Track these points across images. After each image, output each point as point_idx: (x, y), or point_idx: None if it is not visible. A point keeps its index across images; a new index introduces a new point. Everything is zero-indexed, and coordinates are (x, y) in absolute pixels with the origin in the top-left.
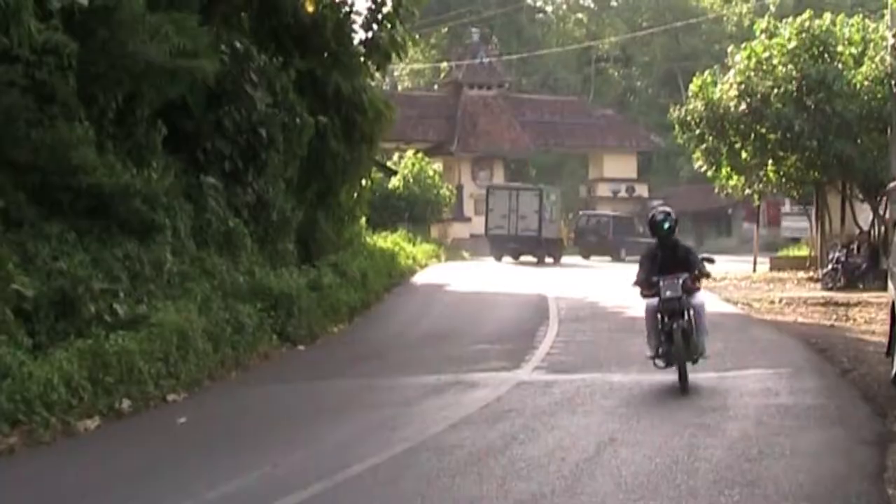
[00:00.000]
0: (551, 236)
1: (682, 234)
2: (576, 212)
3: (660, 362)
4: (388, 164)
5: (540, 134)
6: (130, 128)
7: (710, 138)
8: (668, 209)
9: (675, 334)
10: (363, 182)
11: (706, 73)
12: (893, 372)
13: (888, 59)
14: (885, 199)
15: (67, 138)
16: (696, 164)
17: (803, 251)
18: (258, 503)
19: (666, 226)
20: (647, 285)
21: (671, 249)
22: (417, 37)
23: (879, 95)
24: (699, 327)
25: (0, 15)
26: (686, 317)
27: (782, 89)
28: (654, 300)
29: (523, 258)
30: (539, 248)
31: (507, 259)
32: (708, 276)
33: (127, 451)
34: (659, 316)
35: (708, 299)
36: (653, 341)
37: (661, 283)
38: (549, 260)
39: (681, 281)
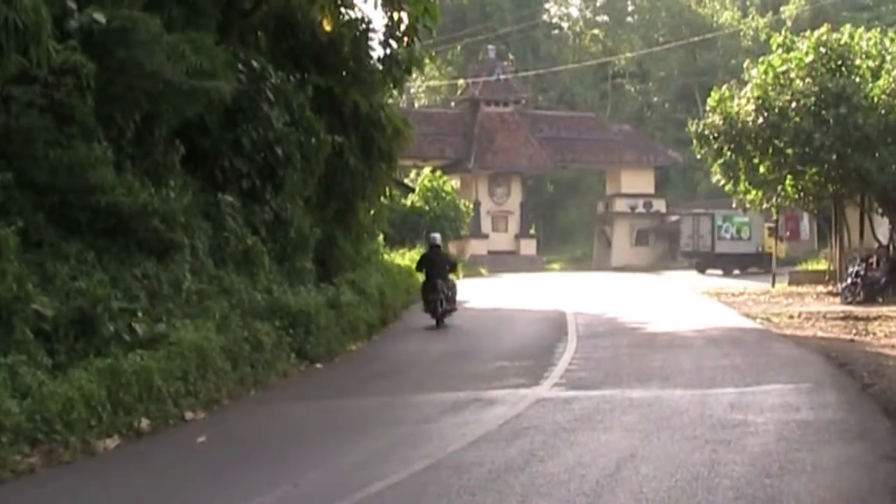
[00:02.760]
0: (734, 251)
1: None
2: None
3: None
4: (406, 181)
5: (557, 150)
6: (148, 147)
7: (728, 152)
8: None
9: None
10: (381, 199)
11: (723, 87)
12: None
13: None
14: None
15: (86, 158)
16: (714, 179)
17: (822, 265)
18: None
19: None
20: None
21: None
22: (434, 54)
23: None
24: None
25: (18, 35)
26: None
27: (800, 103)
28: None
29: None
30: (718, 261)
31: (711, 271)
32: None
33: (146, 471)
34: None
35: (727, 315)
36: None
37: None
38: (753, 270)
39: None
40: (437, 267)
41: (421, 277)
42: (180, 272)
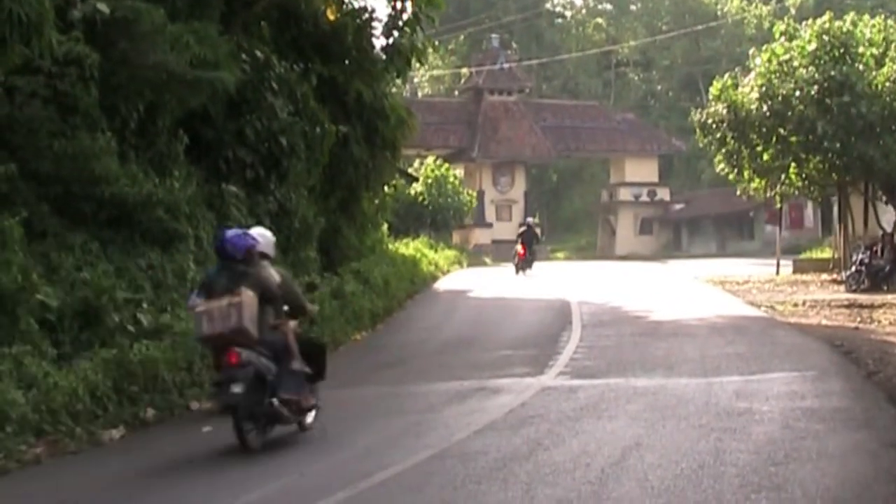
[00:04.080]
0: None
1: (704, 237)
2: None
3: None
4: (409, 170)
5: (561, 139)
6: (152, 138)
7: (732, 141)
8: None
9: None
10: (385, 189)
11: (727, 75)
12: None
13: None
14: None
15: (90, 149)
16: (718, 167)
17: (826, 253)
18: None
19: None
20: None
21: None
22: (437, 43)
23: None
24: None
25: (21, 27)
26: None
27: (804, 91)
28: None
29: None
30: None
31: None
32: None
33: (152, 461)
34: None
35: (731, 303)
36: None
37: None
38: None
39: None
40: (528, 238)
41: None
42: (185, 262)
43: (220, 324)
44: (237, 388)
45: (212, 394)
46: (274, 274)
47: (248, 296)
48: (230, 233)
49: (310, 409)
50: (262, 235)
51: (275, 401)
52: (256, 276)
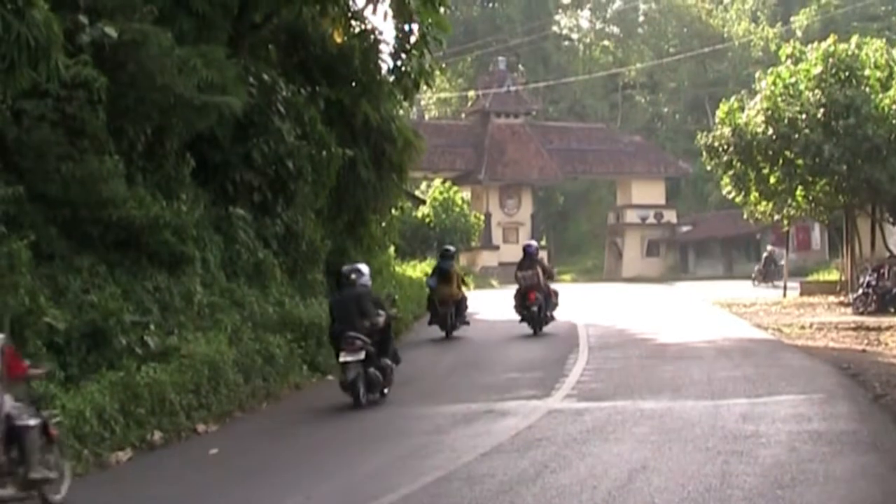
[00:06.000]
0: None
1: (711, 259)
2: None
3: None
4: (416, 193)
5: (568, 161)
6: (160, 160)
7: (738, 164)
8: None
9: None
10: (392, 211)
11: (733, 98)
12: None
13: None
14: None
15: (97, 172)
16: (725, 190)
17: (833, 275)
18: None
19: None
20: None
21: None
22: (444, 66)
23: None
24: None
25: (30, 50)
26: None
27: (810, 114)
28: None
29: None
30: None
31: None
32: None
33: (159, 483)
34: None
35: (738, 325)
36: None
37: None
38: None
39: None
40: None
41: None
42: (192, 285)
43: (529, 282)
44: (535, 308)
45: (519, 313)
46: (545, 260)
47: (539, 270)
48: (526, 244)
49: (552, 321)
50: (538, 243)
51: (549, 314)
52: (540, 262)
